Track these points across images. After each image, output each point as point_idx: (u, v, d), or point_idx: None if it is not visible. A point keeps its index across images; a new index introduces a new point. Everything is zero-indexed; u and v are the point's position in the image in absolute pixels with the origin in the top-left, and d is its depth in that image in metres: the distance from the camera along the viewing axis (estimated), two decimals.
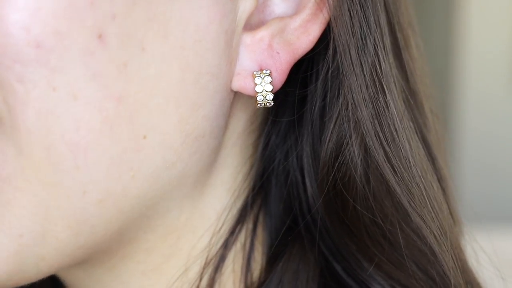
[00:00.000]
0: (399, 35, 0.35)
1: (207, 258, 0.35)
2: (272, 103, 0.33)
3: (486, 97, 2.04)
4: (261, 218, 0.36)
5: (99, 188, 0.30)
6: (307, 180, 0.35)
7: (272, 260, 0.35)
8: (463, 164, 2.00)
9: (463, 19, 2.03)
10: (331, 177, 0.33)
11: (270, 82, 0.32)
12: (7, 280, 0.30)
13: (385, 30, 0.33)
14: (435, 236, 0.34)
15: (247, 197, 0.36)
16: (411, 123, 0.34)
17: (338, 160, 0.33)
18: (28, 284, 0.44)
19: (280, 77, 0.32)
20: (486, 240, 0.43)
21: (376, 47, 0.32)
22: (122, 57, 0.29)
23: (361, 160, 0.32)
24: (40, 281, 0.43)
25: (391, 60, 0.33)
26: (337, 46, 0.31)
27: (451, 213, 0.37)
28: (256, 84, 0.32)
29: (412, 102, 0.36)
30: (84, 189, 0.29)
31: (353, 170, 0.32)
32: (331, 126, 0.33)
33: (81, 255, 0.32)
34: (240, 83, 0.32)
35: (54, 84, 0.28)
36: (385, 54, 0.32)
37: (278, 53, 0.32)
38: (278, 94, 0.34)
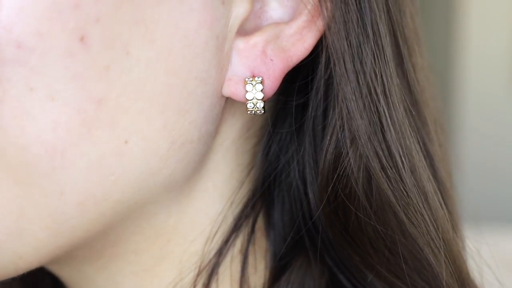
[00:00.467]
0: (402, 45, 0.34)
1: (200, 265, 0.34)
2: (263, 111, 0.32)
3: (486, 97, 2.03)
4: (262, 228, 0.36)
5: (78, 191, 0.29)
6: (309, 191, 0.34)
7: (275, 272, 0.35)
8: (463, 164, 1.99)
9: (463, 19, 2.02)
10: (330, 188, 0.32)
11: (261, 90, 0.31)
12: None
13: (386, 39, 0.32)
14: (431, 248, 0.33)
15: (245, 205, 0.35)
16: (412, 133, 0.34)
17: (338, 171, 0.32)
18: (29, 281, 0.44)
19: (272, 84, 0.31)
20: (486, 242, 0.42)
21: (374, 56, 0.31)
22: (104, 60, 0.28)
23: (361, 171, 0.32)
24: (40, 279, 0.44)
25: (392, 69, 0.32)
26: (330, 54, 0.31)
27: (452, 226, 0.36)
28: (246, 91, 0.31)
29: (414, 113, 0.35)
30: (62, 190, 0.29)
31: (353, 182, 0.32)
32: (328, 137, 0.32)
33: (62, 254, 0.31)
34: (231, 89, 0.31)
35: (32, 84, 0.27)
36: (385, 63, 0.32)
37: (271, 60, 0.31)
38: (277, 102, 0.33)
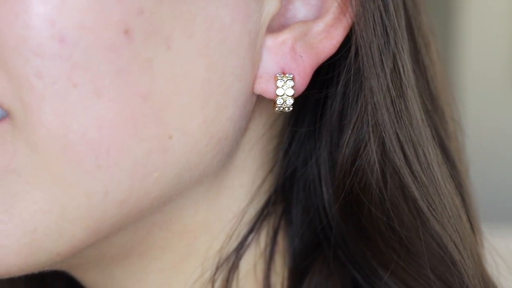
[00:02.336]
0: (419, 40, 0.35)
1: (218, 261, 0.34)
2: (291, 108, 0.32)
3: (486, 97, 2.03)
4: (283, 227, 0.36)
5: (122, 189, 0.29)
6: (323, 187, 0.34)
7: (295, 275, 0.35)
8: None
9: (463, 19, 2.03)
10: (347, 182, 0.32)
11: (292, 87, 0.31)
12: (18, 272, 0.30)
13: (404, 34, 0.32)
14: (455, 244, 0.33)
15: (266, 203, 0.35)
16: (428, 129, 0.34)
17: (355, 165, 0.32)
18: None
19: (303, 80, 0.32)
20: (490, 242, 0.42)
21: (395, 50, 0.31)
22: (147, 54, 0.28)
23: (378, 165, 0.32)
24: (49, 282, 0.44)
25: (409, 64, 0.33)
26: (359, 48, 0.31)
27: (470, 221, 0.36)
28: (277, 87, 0.31)
29: (430, 108, 0.36)
30: (106, 189, 0.28)
31: (369, 175, 0.32)
32: (349, 131, 0.32)
33: (94, 253, 0.32)
34: (262, 86, 0.32)
35: (76, 80, 0.27)
36: (404, 58, 0.32)
37: (301, 56, 0.31)
38: (298, 100, 0.33)
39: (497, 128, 2.04)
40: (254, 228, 0.35)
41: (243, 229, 0.35)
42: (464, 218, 0.35)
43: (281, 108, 0.32)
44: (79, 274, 0.36)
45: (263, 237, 0.35)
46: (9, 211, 0.28)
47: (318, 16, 0.32)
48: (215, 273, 0.34)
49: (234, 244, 0.35)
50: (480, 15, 2.02)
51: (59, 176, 0.28)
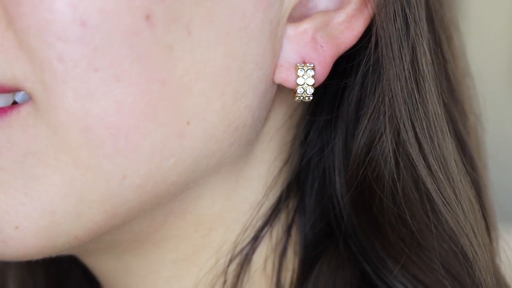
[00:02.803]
0: (440, 32, 0.35)
1: (232, 254, 0.34)
2: (311, 98, 0.32)
3: (486, 97, 2.03)
4: (296, 217, 0.36)
5: (140, 174, 0.29)
6: (336, 177, 0.35)
7: (305, 264, 0.34)
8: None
9: (463, 19, 2.03)
10: (360, 172, 0.33)
11: (313, 76, 0.31)
12: (36, 254, 0.30)
13: (425, 26, 0.32)
14: (468, 238, 0.33)
15: (281, 195, 0.35)
16: (445, 123, 0.34)
17: (369, 155, 0.32)
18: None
19: (323, 70, 0.32)
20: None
21: (415, 42, 0.32)
22: (168, 40, 0.28)
23: (392, 155, 0.32)
24: (67, 269, 0.45)
25: (428, 56, 0.33)
26: (379, 39, 0.31)
27: (485, 217, 0.36)
28: (298, 76, 0.31)
29: (449, 102, 0.36)
30: (124, 174, 0.29)
31: (383, 166, 0.32)
32: (365, 121, 0.32)
33: (113, 234, 0.32)
34: (282, 75, 0.32)
35: (96, 64, 0.27)
36: (423, 50, 0.32)
37: (322, 46, 0.31)
38: (317, 90, 0.33)
39: (497, 128, 2.04)
40: (269, 221, 0.35)
41: (258, 222, 0.35)
42: (479, 214, 0.35)
43: (301, 98, 0.32)
44: (92, 260, 0.36)
45: (276, 230, 0.35)
46: (29, 194, 0.29)
47: (339, 7, 0.32)
48: (228, 265, 0.34)
49: (248, 237, 0.34)
50: (480, 15, 2.02)
51: (78, 160, 0.28)
